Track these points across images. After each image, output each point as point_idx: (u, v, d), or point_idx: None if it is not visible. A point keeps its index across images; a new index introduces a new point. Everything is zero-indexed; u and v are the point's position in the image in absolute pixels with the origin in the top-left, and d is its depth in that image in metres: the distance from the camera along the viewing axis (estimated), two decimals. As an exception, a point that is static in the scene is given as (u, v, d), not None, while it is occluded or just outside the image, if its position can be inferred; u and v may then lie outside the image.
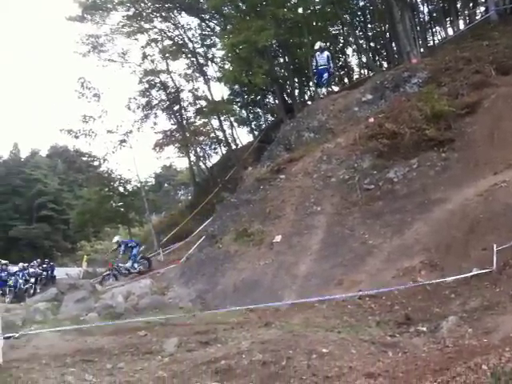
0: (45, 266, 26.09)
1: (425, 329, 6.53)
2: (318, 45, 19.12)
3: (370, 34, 32.25)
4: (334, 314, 8.07)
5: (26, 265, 23.17)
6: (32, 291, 21.53)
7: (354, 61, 35.05)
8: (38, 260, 25.96)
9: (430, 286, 8.07)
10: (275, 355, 5.56)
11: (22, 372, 5.85)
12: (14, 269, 22.22)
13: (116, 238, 20.10)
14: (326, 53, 19.20)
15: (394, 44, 26.63)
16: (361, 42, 30.90)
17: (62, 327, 8.40)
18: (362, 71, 32.77)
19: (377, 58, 32.50)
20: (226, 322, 8.43)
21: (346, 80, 33.33)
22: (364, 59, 31.45)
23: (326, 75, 19.04)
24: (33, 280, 22.48)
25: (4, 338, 6.21)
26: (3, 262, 21.81)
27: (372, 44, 32.70)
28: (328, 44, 30.54)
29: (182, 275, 15.33)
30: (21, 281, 20.90)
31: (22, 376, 5.68)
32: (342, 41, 33.15)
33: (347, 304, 8.46)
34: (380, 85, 16.34)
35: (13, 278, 20.79)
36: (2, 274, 20.86)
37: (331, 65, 19.86)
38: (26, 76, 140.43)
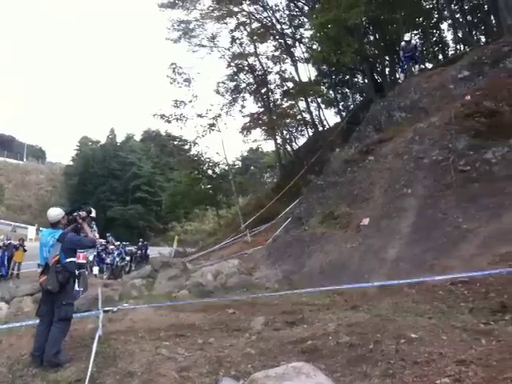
0: (139, 245, 27.58)
1: (522, 317, 6.12)
2: (407, 37, 19.20)
3: (466, 6, 30.26)
4: (423, 299, 7.77)
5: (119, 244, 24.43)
6: (127, 268, 22.93)
7: (449, 36, 33.20)
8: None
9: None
10: (362, 338, 5.49)
11: (120, 343, 6.22)
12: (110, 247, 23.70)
13: None
14: (413, 42, 19.27)
15: (492, 17, 24.84)
16: (457, 15, 29.11)
17: (158, 303, 8.80)
18: (458, 47, 30.95)
19: (474, 32, 30.48)
20: (312, 303, 8.44)
21: (440, 56, 31.70)
22: (460, 34, 29.66)
23: (411, 63, 19.50)
24: (128, 258, 23.90)
25: (103, 312, 6.60)
26: (103, 241, 23.27)
27: (469, 17, 30.66)
28: (421, 19, 29.19)
29: (268, 256, 15.52)
30: (117, 259, 22.30)
31: (120, 347, 6.05)
32: (436, 15, 31.42)
33: (438, 290, 8.09)
34: (478, 60, 15.36)
35: (110, 255, 22.26)
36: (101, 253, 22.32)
37: (418, 53, 19.95)
38: (121, 64, 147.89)
